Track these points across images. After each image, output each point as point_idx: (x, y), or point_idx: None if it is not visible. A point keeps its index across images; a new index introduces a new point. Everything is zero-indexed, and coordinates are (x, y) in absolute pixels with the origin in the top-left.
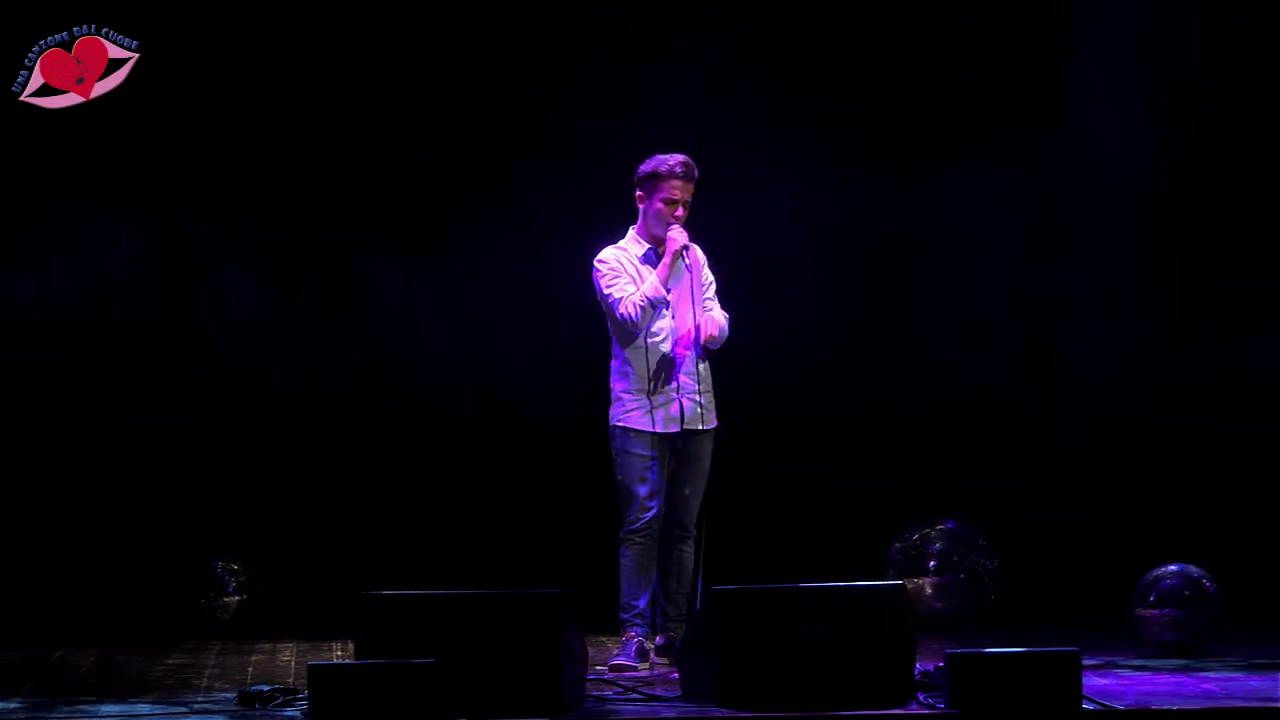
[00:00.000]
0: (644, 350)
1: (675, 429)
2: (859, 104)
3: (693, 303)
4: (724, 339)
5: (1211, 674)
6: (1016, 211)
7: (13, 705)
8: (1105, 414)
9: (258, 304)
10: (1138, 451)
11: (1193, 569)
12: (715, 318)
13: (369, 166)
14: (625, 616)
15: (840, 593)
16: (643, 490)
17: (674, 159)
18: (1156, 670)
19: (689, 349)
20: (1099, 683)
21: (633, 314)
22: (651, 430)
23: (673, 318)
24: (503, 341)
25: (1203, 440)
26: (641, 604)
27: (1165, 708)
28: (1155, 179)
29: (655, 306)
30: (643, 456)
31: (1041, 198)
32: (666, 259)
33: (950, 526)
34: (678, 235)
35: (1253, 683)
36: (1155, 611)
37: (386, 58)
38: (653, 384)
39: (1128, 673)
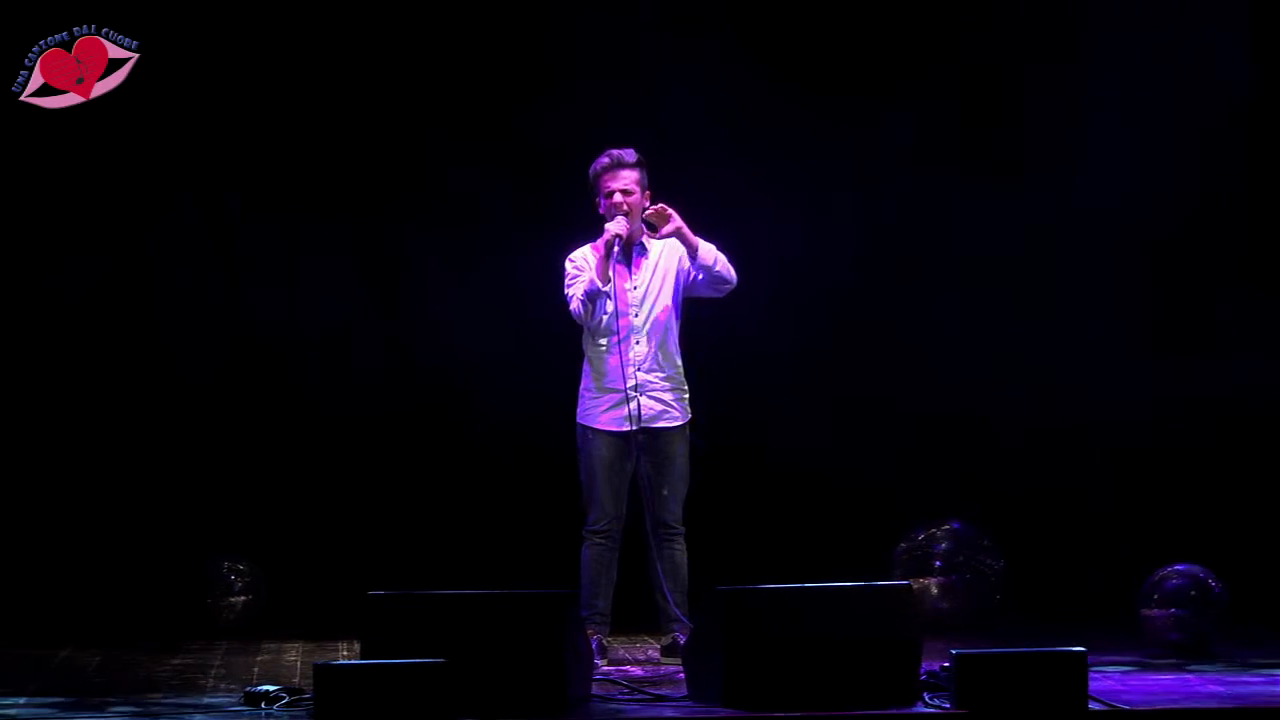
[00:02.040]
0: (601, 349)
1: (631, 428)
2: (870, 112)
3: (653, 299)
4: (727, 271)
5: (1217, 674)
6: (1026, 220)
7: (17, 706)
8: (1112, 414)
9: (262, 305)
10: (1143, 452)
11: (1198, 569)
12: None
13: (370, 165)
14: (584, 614)
15: (846, 593)
16: (600, 491)
17: (604, 153)
18: (1162, 670)
19: (652, 344)
20: (1105, 683)
21: (577, 309)
22: (607, 429)
23: (634, 316)
24: (509, 340)
25: (1208, 440)
26: (600, 604)
27: (1171, 708)
28: (1166, 195)
29: (594, 299)
30: (600, 456)
31: (1050, 208)
32: (601, 249)
33: (955, 527)
34: (611, 225)
35: (1257, 683)
36: (1160, 611)
37: (385, 58)
38: (608, 383)
39: (1133, 673)
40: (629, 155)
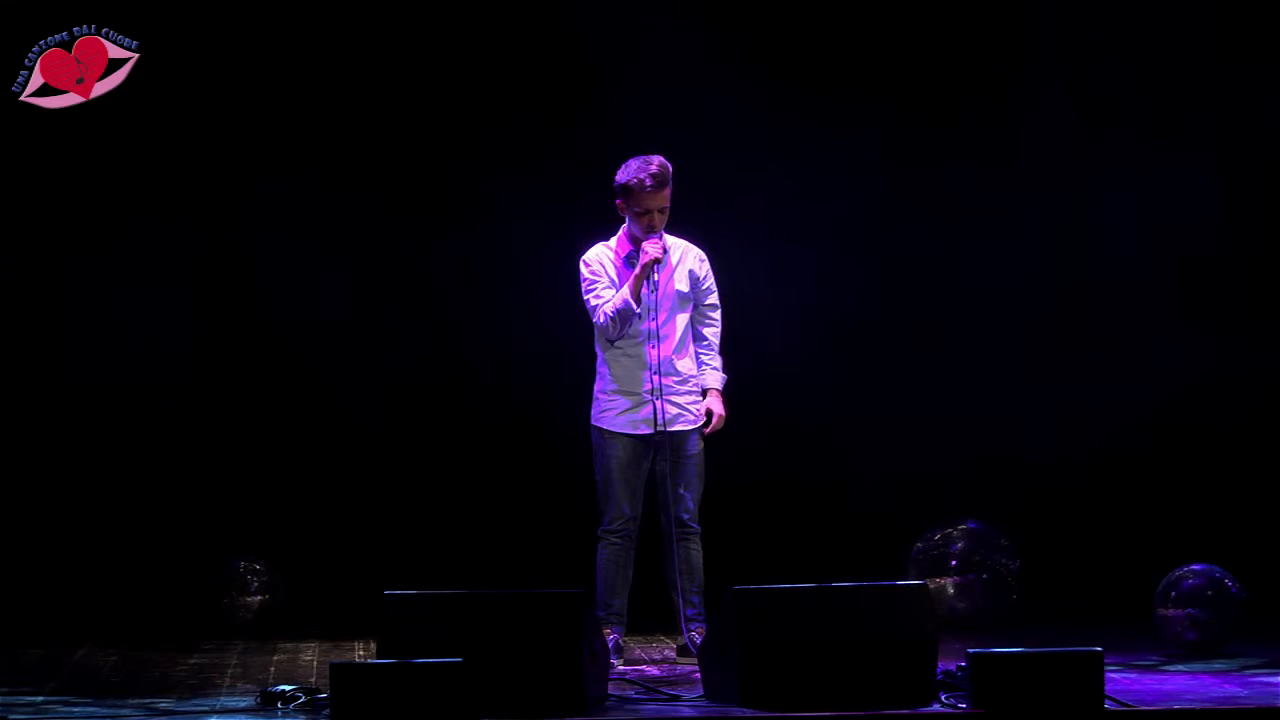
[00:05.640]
0: (620, 353)
1: (648, 431)
2: (877, 111)
3: (672, 303)
4: (725, 380)
5: (1233, 674)
6: (1045, 230)
7: (34, 704)
8: (1127, 412)
9: (270, 306)
10: (1160, 451)
11: (1215, 569)
12: (716, 385)
13: (372, 165)
14: (601, 614)
15: (863, 592)
16: (616, 492)
17: (645, 171)
18: (1178, 670)
19: (670, 348)
20: (1121, 683)
21: (604, 322)
22: (624, 432)
23: (652, 320)
24: (523, 339)
25: (1226, 439)
26: (616, 604)
27: (1187, 708)
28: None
29: (626, 319)
30: (617, 458)
31: (1070, 228)
32: (637, 271)
33: (972, 526)
34: (650, 248)
35: (1275, 683)
36: (1177, 611)
37: (389, 55)
38: (627, 386)
39: (1150, 673)
40: (668, 170)
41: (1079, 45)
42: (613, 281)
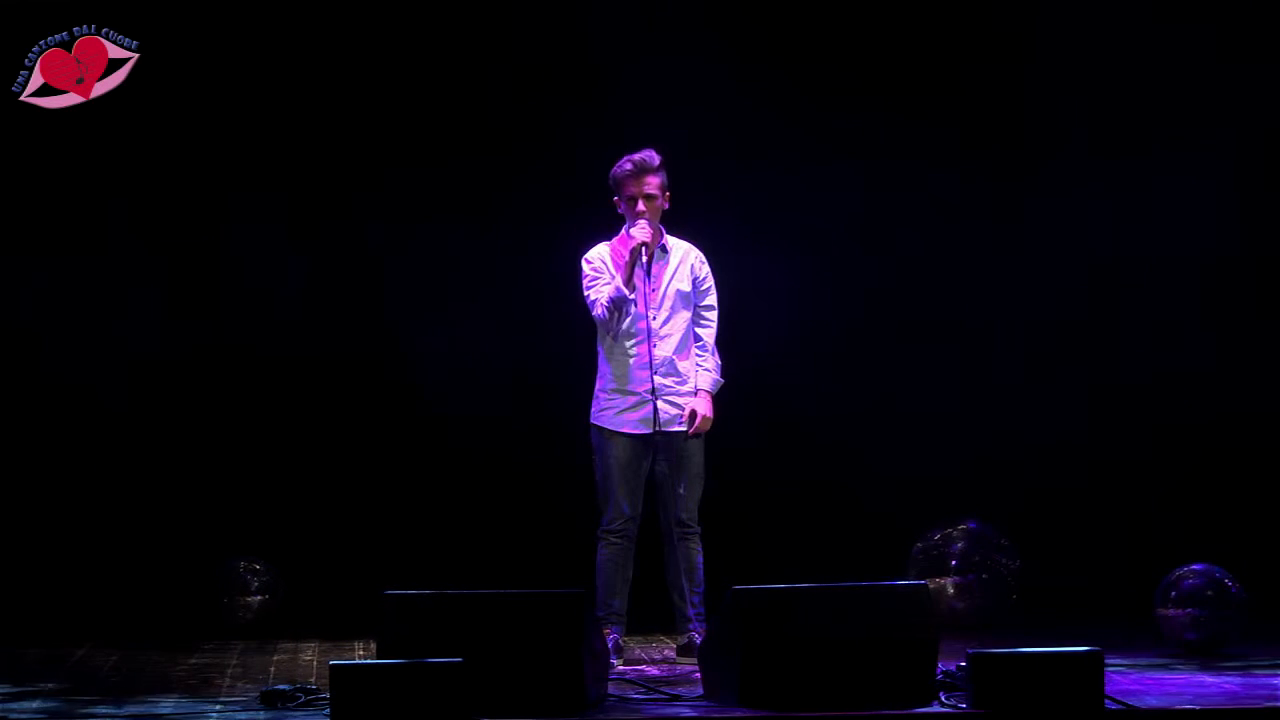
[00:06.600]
0: (620, 351)
1: (647, 431)
2: (878, 111)
3: (673, 302)
4: (718, 384)
5: (1233, 674)
6: (1036, 214)
7: (35, 704)
8: (1127, 413)
9: (269, 305)
10: (1160, 451)
11: (1215, 569)
12: (706, 386)
13: (371, 165)
14: (601, 614)
15: (863, 592)
16: (616, 491)
17: (628, 160)
18: (1178, 670)
19: (671, 347)
20: (1121, 683)
21: (602, 315)
22: (624, 431)
23: (653, 319)
24: (523, 339)
25: (1226, 439)
26: (616, 604)
27: (1187, 708)
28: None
29: (620, 306)
30: (617, 457)
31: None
32: (628, 256)
33: (972, 526)
34: (636, 233)
35: (1275, 683)
36: (1177, 611)
37: (389, 54)
38: (627, 385)
39: (1150, 672)
40: (653, 159)
41: (1080, 45)
42: (613, 277)
